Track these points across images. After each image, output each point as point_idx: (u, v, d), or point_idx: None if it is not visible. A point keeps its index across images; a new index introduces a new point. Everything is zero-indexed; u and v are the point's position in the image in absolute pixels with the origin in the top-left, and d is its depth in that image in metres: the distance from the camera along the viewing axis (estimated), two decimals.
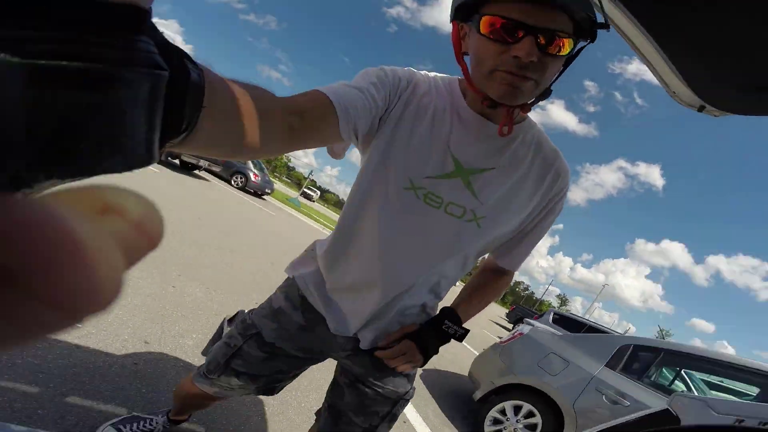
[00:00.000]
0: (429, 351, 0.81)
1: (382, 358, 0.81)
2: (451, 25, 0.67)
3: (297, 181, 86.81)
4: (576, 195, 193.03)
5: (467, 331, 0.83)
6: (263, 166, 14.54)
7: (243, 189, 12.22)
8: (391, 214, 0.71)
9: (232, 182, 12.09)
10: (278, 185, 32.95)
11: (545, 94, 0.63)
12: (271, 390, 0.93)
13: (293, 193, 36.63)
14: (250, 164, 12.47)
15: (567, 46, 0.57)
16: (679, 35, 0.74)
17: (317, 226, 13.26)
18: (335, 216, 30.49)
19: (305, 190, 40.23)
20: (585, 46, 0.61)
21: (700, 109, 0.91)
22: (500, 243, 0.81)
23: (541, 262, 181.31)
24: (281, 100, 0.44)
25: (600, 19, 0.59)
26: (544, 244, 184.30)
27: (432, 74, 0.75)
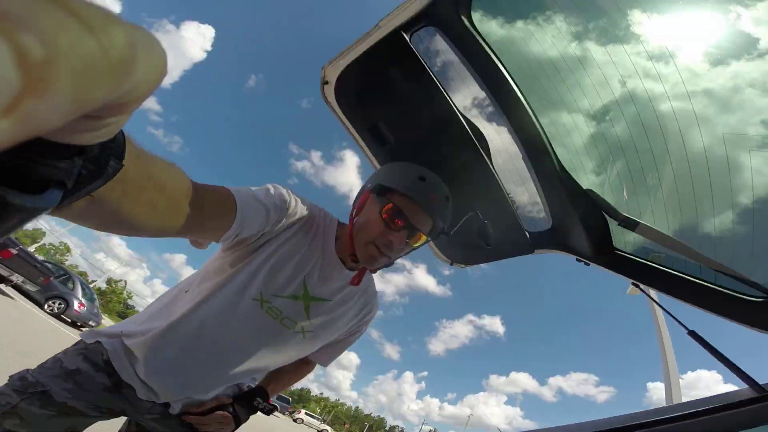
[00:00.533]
0: (241, 421, 0.94)
1: (195, 423, 0.88)
2: (359, 192, 0.90)
3: None
4: (436, 347, 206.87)
5: (275, 407, 1.00)
6: (95, 297, 12.73)
7: (57, 316, 10.44)
8: (232, 315, 0.80)
9: (46, 307, 10.32)
10: (109, 321, 26.99)
11: (390, 265, 0.89)
12: None
13: None
14: (79, 292, 10.98)
15: (420, 241, 0.84)
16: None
17: None
18: None
19: None
20: (427, 242, 0.87)
21: (451, 263, 1.39)
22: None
23: (412, 405, 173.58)
24: (189, 191, 0.47)
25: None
26: (412, 390, 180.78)
27: (322, 215, 0.89)
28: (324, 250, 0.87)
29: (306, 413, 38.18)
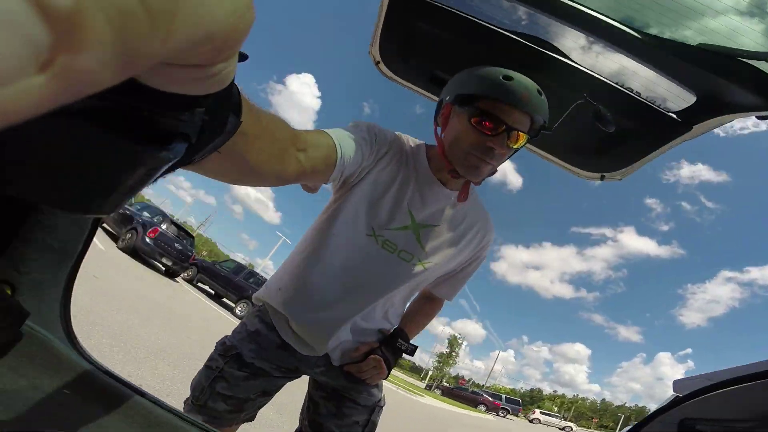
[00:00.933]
0: (391, 364, 0.98)
1: (355, 372, 0.94)
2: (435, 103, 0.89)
3: None
4: (691, 318, 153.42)
5: (416, 347, 1.03)
6: None
7: None
8: (352, 254, 0.88)
9: None
10: None
11: (492, 173, 0.85)
12: (252, 417, 0.96)
13: None
14: None
15: (521, 141, 0.79)
16: (557, 145, 1.15)
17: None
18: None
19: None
20: (528, 140, 0.82)
21: (601, 178, 1.20)
22: (437, 278, 1.02)
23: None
24: (295, 138, 0.52)
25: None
26: (674, 371, 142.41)
27: (407, 140, 0.93)
28: (418, 174, 0.90)
29: (541, 412, 38.89)
